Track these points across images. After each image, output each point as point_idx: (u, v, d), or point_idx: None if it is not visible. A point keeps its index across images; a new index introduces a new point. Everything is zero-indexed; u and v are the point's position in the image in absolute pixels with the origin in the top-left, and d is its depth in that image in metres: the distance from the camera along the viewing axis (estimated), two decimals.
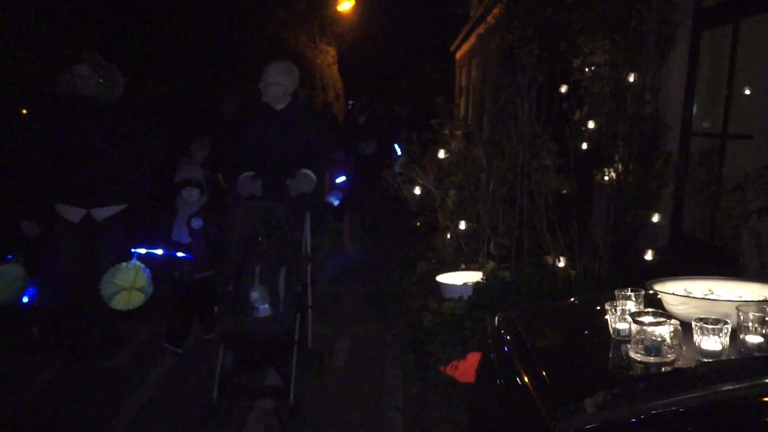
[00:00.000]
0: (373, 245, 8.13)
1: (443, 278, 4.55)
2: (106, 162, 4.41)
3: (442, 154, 5.02)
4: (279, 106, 4.49)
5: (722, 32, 4.66)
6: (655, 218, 4.66)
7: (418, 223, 5.47)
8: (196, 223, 4.58)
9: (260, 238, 3.99)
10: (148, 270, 4.41)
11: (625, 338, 2.02)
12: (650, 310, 2.00)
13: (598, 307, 2.28)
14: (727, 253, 3.96)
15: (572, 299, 2.82)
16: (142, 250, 4.51)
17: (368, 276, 6.81)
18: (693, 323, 1.86)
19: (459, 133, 5.02)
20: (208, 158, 6.41)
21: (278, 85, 4.39)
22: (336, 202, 8.30)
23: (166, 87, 10.66)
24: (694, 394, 1.69)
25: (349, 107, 10.53)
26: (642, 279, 2.37)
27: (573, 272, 4.25)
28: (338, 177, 8.25)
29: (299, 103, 4.52)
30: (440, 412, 3.78)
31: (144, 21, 10.62)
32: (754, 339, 1.83)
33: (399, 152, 9.30)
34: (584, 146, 4.66)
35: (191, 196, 4.63)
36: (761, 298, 2.14)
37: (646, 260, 4.46)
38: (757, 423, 1.67)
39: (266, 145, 4.51)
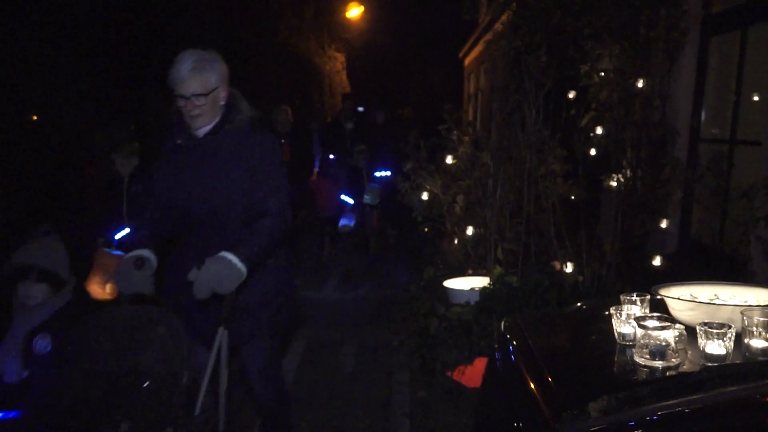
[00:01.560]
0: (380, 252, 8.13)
1: (450, 283, 4.55)
2: None
3: (449, 159, 5.04)
4: (201, 131, 2.64)
5: (731, 38, 4.66)
6: (664, 224, 4.65)
7: (426, 229, 5.47)
8: (41, 344, 2.70)
9: (127, 380, 2.31)
10: None
11: (630, 343, 2.02)
12: (655, 314, 2.00)
13: (605, 312, 2.29)
14: (736, 260, 3.95)
15: (579, 304, 2.82)
16: None
17: (375, 281, 6.82)
18: (697, 328, 1.87)
19: (467, 138, 5.03)
20: (137, 170, 4.78)
21: (210, 94, 2.57)
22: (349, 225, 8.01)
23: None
24: (698, 398, 1.69)
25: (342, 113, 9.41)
26: (650, 285, 2.38)
27: (580, 278, 4.25)
28: (342, 194, 7.80)
29: (236, 122, 2.67)
30: (447, 417, 3.78)
31: (151, 27, 10.70)
32: (758, 343, 1.83)
33: (381, 174, 8.38)
34: (592, 152, 4.67)
35: (30, 297, 2.76)
36: (766, 303, 2.14)
37: (654, 266, 4.45)
38: (761, 426, 1.67)
39: (175, 201, 2.70)
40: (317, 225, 8.11)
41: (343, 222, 7.71)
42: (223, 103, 2.65)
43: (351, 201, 7.78)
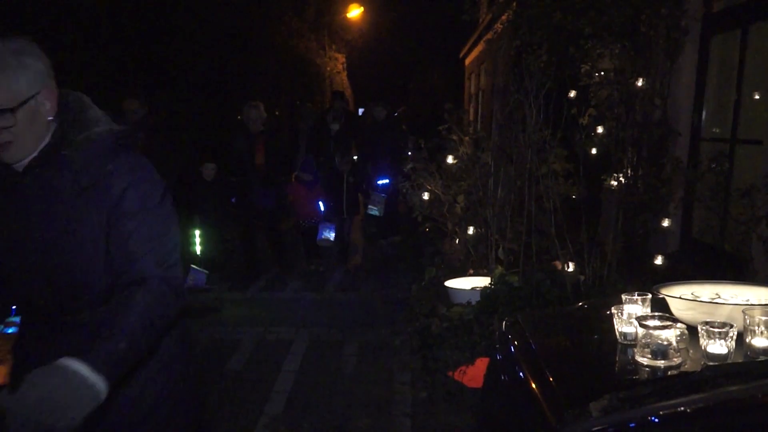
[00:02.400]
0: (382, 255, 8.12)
1: (452, 283, 4.55)
2: None
3: (450, 159, 5.04)
4: (18, 164, 1.70)
5: (731, 37, 4.65)
6: (665, 223, 4.65)
7: (427, 229, 5.47)
8: None
9: None
10: None
11: (632, 342, 2.02)
12: (657, 314, 2.00)
13: (606, 312, 2.28)
14: (737, 259, 3.95)
15: (580, 304, 2.81)
16: None
17: (377, 281, 6.82)
18: (699, 327, 1.86)
19: (467, 138, 5.03)
20: None
21: (22, 107, 1.61)
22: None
23: (176, 96, 10.75)
24: (700, 397, 1.69)
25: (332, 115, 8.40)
26: (651, 284, 2.37)
27: (582, 277, 4.24)
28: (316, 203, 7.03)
29: (81, 143, 1.71)
30: (448, 418, 3.78)
31: (151, 28, 10.71)
32: (760, 342, 1.82)
33: (383, 182, 7.85)
34: (593, 151, 4.66)
35: None
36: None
37: (655, 265, 4.45)
38: (763, 426, 1.67)
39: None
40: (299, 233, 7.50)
41: (322, 235, 7.03)
42: (51, 117, 1.69)
43: (322, 208, 7.13)
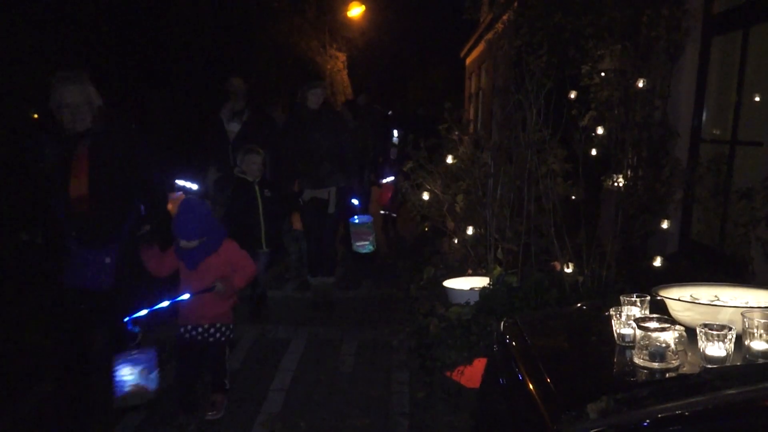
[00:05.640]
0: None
1: (450, 283, 4.54)
2: None
3: (450, 159, 5.02)
4: None
5: (732, 38, 4.65)
6: (664, 225, 4.65)
7: (426, 228, 5.46)
8: None
9: None
10: None
11: (630, 344, 2.01)
12: (655, 315, 2.00)
13: (604, 313, 2.28)
14: (736, 261, 3.95)
15: (578, 305, 2.81)
16: None
17: (375, 281, 6.81)
18: (697, 329, 1.86)
19: (467, 138, 5.02)
20: None
21: None
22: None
23: (176, 93, 10.71)
24: (698, 400, 1.68)
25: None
26: (650, 285, 2.37)
27: (580, 278, 4.24)
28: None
29: None
30: (446, 418, 3.78)
31: (153, 27, 10.69)
32: (758, 345, 1.82)
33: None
34: (593, 152, 4.66)
35: None
36: (767, 305, 2.13)
37: (654, 266, 4.44)
38: (762, 429, 1.66)
39: None
40: None
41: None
42: None
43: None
